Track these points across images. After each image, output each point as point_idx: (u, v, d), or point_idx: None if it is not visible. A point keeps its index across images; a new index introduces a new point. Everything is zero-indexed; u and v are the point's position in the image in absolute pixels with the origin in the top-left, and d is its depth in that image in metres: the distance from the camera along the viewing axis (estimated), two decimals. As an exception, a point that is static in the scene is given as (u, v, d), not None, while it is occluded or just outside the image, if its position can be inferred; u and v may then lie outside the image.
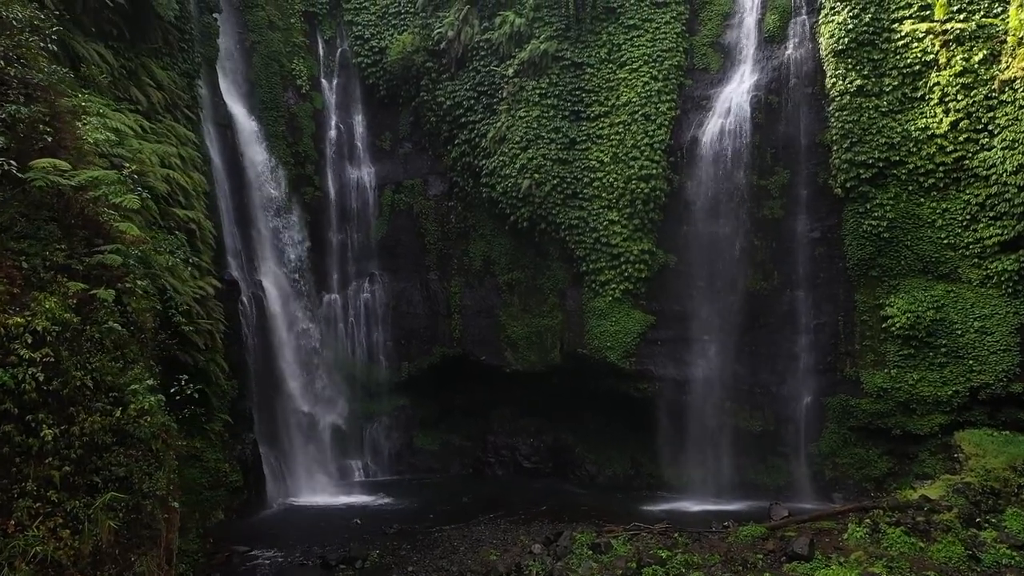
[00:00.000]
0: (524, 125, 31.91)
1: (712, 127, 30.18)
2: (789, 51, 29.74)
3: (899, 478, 27.06)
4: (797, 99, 29.40)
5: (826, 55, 28.60)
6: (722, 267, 29.92)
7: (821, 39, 28.81)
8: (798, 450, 29.23)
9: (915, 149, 27.20)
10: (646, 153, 30.50)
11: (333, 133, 35.52)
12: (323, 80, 35.71)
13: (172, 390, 13.21)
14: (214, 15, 30.51)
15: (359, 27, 35.60)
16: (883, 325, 27.62)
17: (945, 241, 27.00)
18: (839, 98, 28.11)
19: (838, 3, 28.47)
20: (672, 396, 30.82)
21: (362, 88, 36.00)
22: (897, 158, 27.37)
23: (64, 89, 13.85)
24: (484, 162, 32.83)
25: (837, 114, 28.14)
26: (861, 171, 27.71)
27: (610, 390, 32.00)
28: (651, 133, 30.61)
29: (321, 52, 35.87)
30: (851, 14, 28.01)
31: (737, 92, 30.16)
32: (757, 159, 29.61)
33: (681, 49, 31.29)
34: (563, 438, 33.61)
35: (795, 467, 29.25)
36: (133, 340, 12.08)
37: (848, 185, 27.97)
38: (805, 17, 29.74)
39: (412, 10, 35.22)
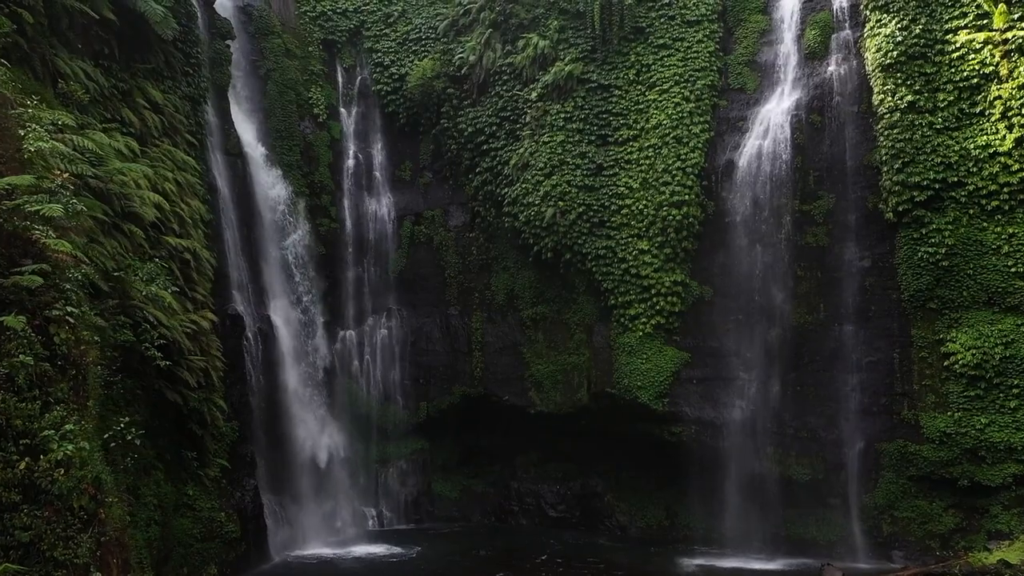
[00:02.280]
0: (548, 151, 30.20)
1: (749, 149, 28.13)
2: (832, 67, 27.71)
3: (968, 535, 24.13)
4: (842, 118, 27.29)
5: (873, 70, 26.48)
6: (762, 300, 27.62)
7: (867, 54, 26.73)
8: (851, 502, 26.45)
9: (975, 169, 24.75)
10: (678, 178, 28.51)
11: (351, 162, 34.20)
12: (342, 109, 34.53)
13: (107, 433, 11.35)
14: (227, 42, 29.55)
15: (379, 54, 34.49)
16: (944, 363, 24.92)
17: (1013, 269, 24.33)
18: (888, 115, 25.90)
19: (885, 15, 26.39)
20: (709, 440, 28.36)
21: (382, 116, 34.75)
22: (955, 179, 24.93)
23: (8, 97, 12.38)
24: (506, 190, 31.12)
25: (886, 132, 25.90)
26: (915, 194, 25.31)
27: (642, 433, 29.65)
28: (683, 157, 28.64)
29: (340, 80, 34.77)
30: (899, 25, 25.88)
31: (776, 112, 28.15)
32: (799, 182, 27.45)
33: (715, 68, 29.46)
34: (592, 485, 31.20)
35: (848, 521, 26.44)
36: (62, 377, 10.28)
37: (901, 209, 25.58)
38: (848, 31, 27.75)
39: (433, 36, 34.05)
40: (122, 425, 11.69)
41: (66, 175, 11.83)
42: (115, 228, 17.49)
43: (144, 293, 16.76)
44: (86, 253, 15.31)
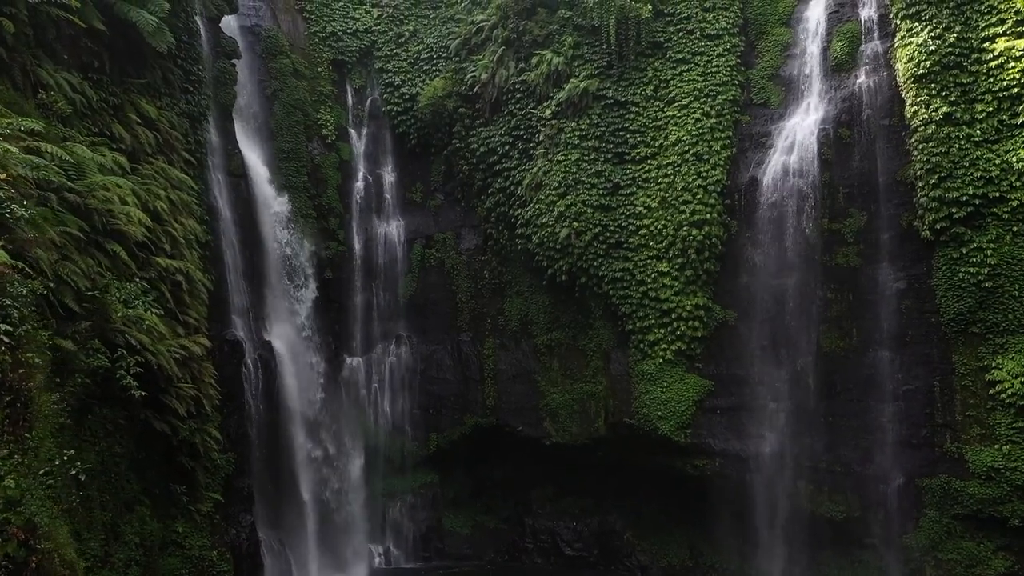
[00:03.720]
0: (562, 170, 29.01)
1: (774, 166, 26.74)
2: (860, 79, 26.35)
3: (1021, 580, 22.16)
4: (872, 132, 25.84)
5: (905, 81, 25.06)
6: (790, 324, 26.07)
7: (898, 64, 25.34)
8: (890, 542, 24.57)
9: (1019, 183, 23.10)
10: (699, 196, 27.15)
11: (360, 185, 33.20)
12: (351, 130, 33.64)
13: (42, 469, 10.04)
14: (232, 61, 28.83)
15: (390, 74, 33.67)
16: (990, 392, 23.10)
17: (1063, 290, 22.61)
18: (923, 128, 24.41)
19: (916, 23, 25.00)
20: (735, 474, 26.70)
21: (392, 137, 33.83)
22: (997, 194, 23.30)
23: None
24: (519, 211, 29.93)
25: (921, 146, 24.39)
26: (953, 210, 23.71)
27: (663, 466, 28.05)
28: (704, 174, 27.32)
29: (350, 101, 33.94)
30: (932, 34, 24.48)
31: (802, 126, 26.80)
32: (827, 200, 25.98)
33: (736, 83, 28.25)
34: (610, 521, 29.51)
35: (887, 563, 24.55)
36: (-7, 404, 9.04)
37: (938, 227, 23.97)
38: (877, 42, 26.41)
39: (445, 55, 33.22)
40: (66, 458, 10.40)
41: (3, 176, 10.73)
42: (93, 246, 16.41)
43: (122, 315, 15.58)
44: (55, 271, 14.26)
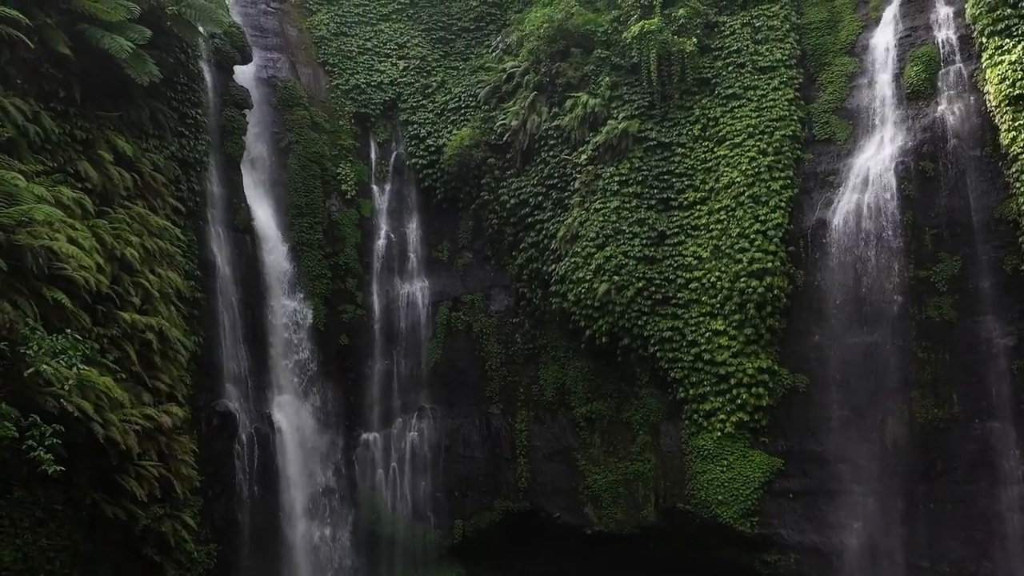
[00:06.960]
0: (600, 219, 25.95)
1: (845, 205, 23.32)
2: (942, 107, 23.04)
3: None
4: (961, 164, 22.32)
5: (998, 105, 21.65)
6: (874, 390, 22.18)
7: (987, 87, 22.04)
8: (1018, 664, 19.72)
9: None
10: (757, 243, 23.74)
11: (382, 243, 30.50)
12: (374, 186, 31.22)
13: None
14: (243, 111, 26.94)
15: (415, 126, 31.37)
16: None
17: None
18: (1024, 156, 20.74)
19: (1007, 39, 21.78)
20: (815, 573, 22.49)
21: (418, 192, 31.25)
22: (1124, 228, 19.38)
23: None
24: (554, 267, 26.79)
25: (1024, 178, 20.69)
26: (1071, 249, 19.79)
27: (727, 562, 23.94)
28: (763, 218, 23.97)
29: (374, 156, 31.64)
30: (1028, 49, 21.11)
31: (876, 161, 23.48)
32: (912, 243, 22.32)
33: (795, 118, 25.28)
34: (665, 628, 25.05)
35: None
36: None
37: (1053, 270, 20.02)
38: (960, 65, 23.23)
39: (474, 104, 30.87)
40: None
41: None
42: (21, 291, 13.66)
43: (49, 373, 12.63)
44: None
